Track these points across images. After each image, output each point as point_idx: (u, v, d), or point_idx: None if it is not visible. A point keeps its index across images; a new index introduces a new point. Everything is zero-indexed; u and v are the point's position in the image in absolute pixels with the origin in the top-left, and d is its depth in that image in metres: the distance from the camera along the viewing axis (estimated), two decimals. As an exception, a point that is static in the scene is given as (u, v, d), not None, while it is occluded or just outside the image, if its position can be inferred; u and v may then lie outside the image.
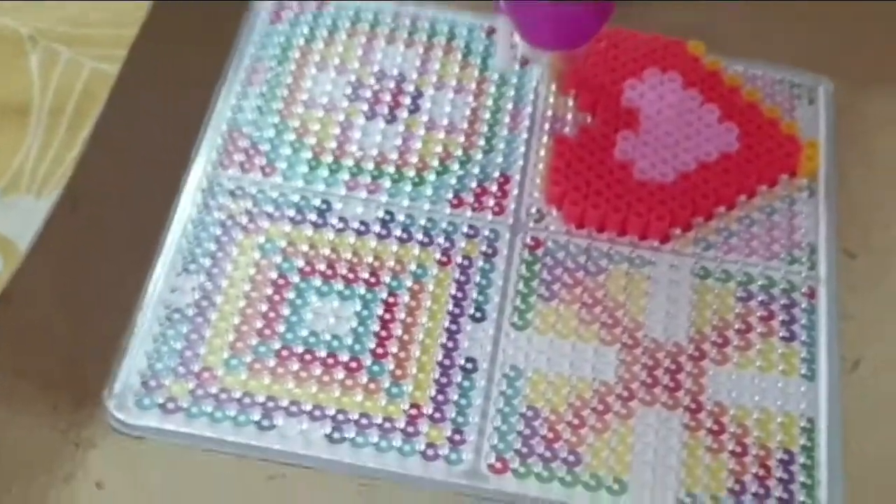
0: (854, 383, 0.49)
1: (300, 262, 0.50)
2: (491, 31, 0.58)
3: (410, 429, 0.47)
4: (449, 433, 0.47)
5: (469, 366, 0.48)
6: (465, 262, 0.51)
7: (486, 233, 0.52)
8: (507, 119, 0.56)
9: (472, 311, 0.50)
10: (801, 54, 0.59)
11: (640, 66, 0.57)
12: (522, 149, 0.55)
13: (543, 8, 0.47)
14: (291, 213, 0.52)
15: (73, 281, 0.49)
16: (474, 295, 0.50)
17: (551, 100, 0.56)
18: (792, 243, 0.53)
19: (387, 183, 0.53)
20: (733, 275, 0.52)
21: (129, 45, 0.54)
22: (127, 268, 0.50)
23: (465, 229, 0.52)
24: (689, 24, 0.59)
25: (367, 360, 0.48)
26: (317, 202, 0.52)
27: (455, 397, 0.47)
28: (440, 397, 0.47)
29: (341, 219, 0.52)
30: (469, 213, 0.53)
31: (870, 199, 0.56)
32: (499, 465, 0.46)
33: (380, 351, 0.48)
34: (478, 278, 0.51)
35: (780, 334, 0.50)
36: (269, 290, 0.49)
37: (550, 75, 0.56)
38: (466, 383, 0.48)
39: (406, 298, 0.50)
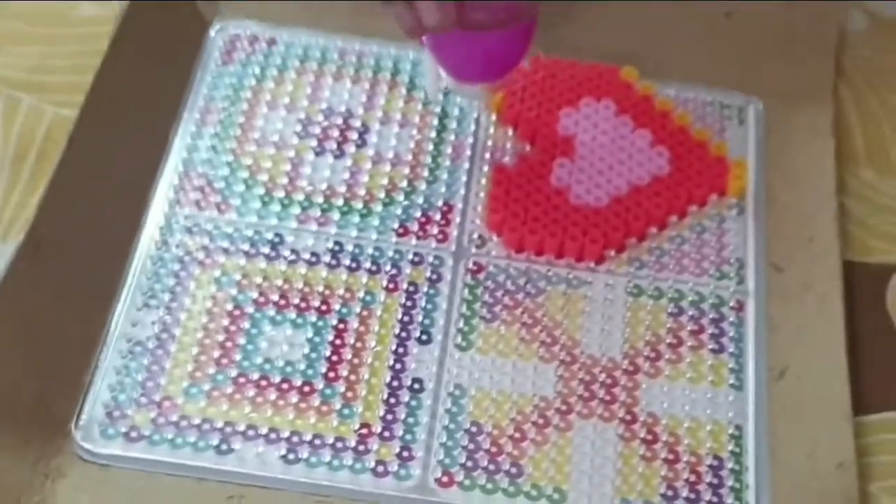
0: (780, 391, 0.52)
1: (254, 294, 0.53)
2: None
3: (361, 447, 0.49)
4: (398, 450, 0.49)
5: (416, 386, 0.51)
6: (412, 288, 0.54)
7: (431, 260, 0.55)
8: (449, 150, 0.58)
9: (418, 334, 0.53)
10: (732, 75, 0.62)
11: (576, 94, 0.60)
12: (464, 178, 0.57)
13: (468, 44, 0.50)
14: (245, 247, 0.55)
15: (38, 319, 0.51)
16: (420, 319, 0.53)
17: (492, 130, 0.59)
18: (721, 260, 0.56)
19: (336, 215, 0.56)
20: (665, 292, 0.55)
21: (88, 90, 0.56)
22: (90, 304, 0.52)
23: (410, 257, 0.55)
24: (625, 50, 0.62)
25: (320, 384, 0.51)
26: (269, 236, 0.55)
27: (403, 416, 0.50)
28: (389, 417, 0.50)
29: (293, 251, 0.55)
30: (414, 241, 0.55)
31: (796, 213, 0.58)
32: (445, 479, 0.49)
33: (331, 375, 0.51)
34: (423, 303, 0.53)
35: (710, 347, 0.53)
36: (226, 321, 0.52)
37: (485, 105, 0.59)
38: (414, 403, 0.51)
39: (356, 324, 0.53)
